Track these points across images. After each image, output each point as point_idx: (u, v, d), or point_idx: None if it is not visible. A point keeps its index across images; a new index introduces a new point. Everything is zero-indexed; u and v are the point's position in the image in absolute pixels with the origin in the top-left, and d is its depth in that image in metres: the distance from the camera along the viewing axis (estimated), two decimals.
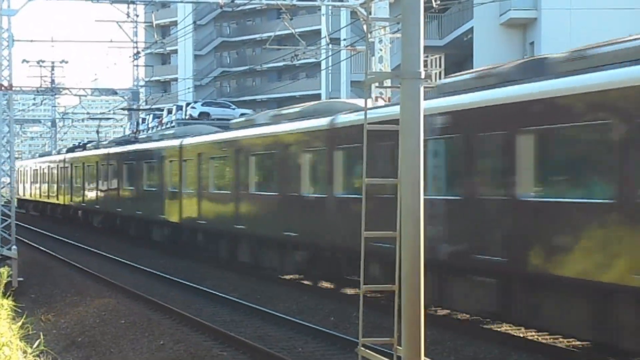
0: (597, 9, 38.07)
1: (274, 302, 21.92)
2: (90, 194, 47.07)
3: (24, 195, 70.76)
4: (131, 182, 39.54)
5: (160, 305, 21.50)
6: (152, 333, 18.38)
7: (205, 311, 20.98)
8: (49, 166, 59.43)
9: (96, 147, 50.13)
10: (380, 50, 31.47)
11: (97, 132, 63.83)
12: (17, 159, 74.95)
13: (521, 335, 16.82)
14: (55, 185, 56.77)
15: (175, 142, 33.66)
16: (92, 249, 36.65)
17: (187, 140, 32.46)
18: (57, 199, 55.87)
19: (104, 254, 34.61)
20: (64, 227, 51.03)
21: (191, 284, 25.03)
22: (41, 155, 69.99)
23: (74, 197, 51.08)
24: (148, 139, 40.56)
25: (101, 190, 44.65)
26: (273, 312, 19.91)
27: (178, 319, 19.85)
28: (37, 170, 64.51)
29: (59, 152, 61.63)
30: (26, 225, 51.59)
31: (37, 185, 63.93)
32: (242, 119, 30.63)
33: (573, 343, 16.00)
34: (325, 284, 24.31)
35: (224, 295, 22.70)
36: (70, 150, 57.37)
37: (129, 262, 31.21)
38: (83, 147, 55.76)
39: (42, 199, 62.12)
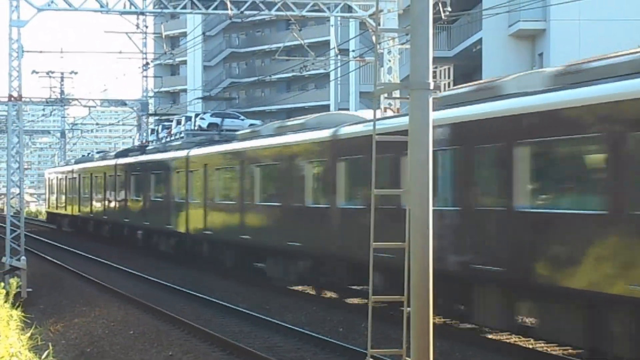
0: (606, 20, 38.09)
1: (282, 313, 21.90)
2: (156, 211, 37.37)
3: (56, 208, 61.44)
4: (229, 194, 29.30)
5: (169, 316, 21.49)
6: (161, 344, 18.38)
7: (214, 322, 20.96)
8: (91, 174, 50.16)
9: (161, 150, 39.79)
10: (389, 61, 31.52)
11: (157, 132, 53.52)
12: (26, 169, 74.44)
13: (529, 346, 16.77)
14: (101, 197, 47.69)
15: (321, 134, 23.52)
16: (101, 260, 36.67)
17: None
18: (105, 215, 47.04)
19: (113, 264, 34.61)
20: (73, 238, 51.00)
21: (200, 295, 25.01)
22: (78, 162, 59.58)
23: (129, 213, 42.00)
24: (254, 135, 29.27)
25: (175, 206, 34.81)
26: (282, 323, 19.88)
27: (187, 330, 19.84)
28: (74, 179, 55.04)
29: (104, 157, 51.90)
30: (36, 237, 51.55)
31: (76, 196, 54.36)
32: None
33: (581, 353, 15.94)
34: (332, 294, 24.24)
35: (232, 306, 22.69)
36: (121, 154, 47.38)
37: (138, 273, 31.20)
38: (141, 150, 45.66)
39: (81, 213, 52.88)
